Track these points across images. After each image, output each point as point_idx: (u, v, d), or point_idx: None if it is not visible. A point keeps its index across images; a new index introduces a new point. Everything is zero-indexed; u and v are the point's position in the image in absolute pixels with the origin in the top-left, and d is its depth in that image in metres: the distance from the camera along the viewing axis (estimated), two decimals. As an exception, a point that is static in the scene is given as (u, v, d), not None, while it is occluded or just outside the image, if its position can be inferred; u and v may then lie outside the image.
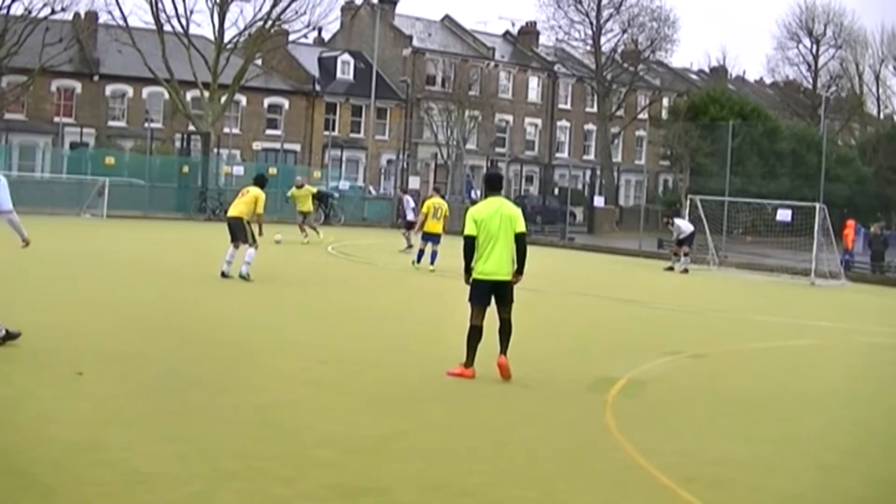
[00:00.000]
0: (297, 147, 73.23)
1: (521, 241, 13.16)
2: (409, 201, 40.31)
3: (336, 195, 54.70)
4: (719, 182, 47.72)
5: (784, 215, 36.76)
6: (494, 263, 12.97)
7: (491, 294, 13.12)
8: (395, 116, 79.45)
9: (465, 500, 8.23)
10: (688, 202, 41.30)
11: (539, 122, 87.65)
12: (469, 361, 13.10)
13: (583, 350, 17.18)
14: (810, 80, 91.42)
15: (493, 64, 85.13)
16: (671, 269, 36.32)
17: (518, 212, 13.43)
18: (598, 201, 66.74)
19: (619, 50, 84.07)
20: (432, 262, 29.13)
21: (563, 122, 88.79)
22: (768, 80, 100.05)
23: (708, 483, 9.14)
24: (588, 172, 75.61)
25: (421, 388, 12.56)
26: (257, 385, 12.11)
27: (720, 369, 16.16)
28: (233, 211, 24.16)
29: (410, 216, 37.88)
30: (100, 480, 8.04)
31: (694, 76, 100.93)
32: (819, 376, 16.48)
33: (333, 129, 75.95)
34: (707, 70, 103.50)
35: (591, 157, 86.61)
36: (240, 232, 23.69)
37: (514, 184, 72.57)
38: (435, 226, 29.67)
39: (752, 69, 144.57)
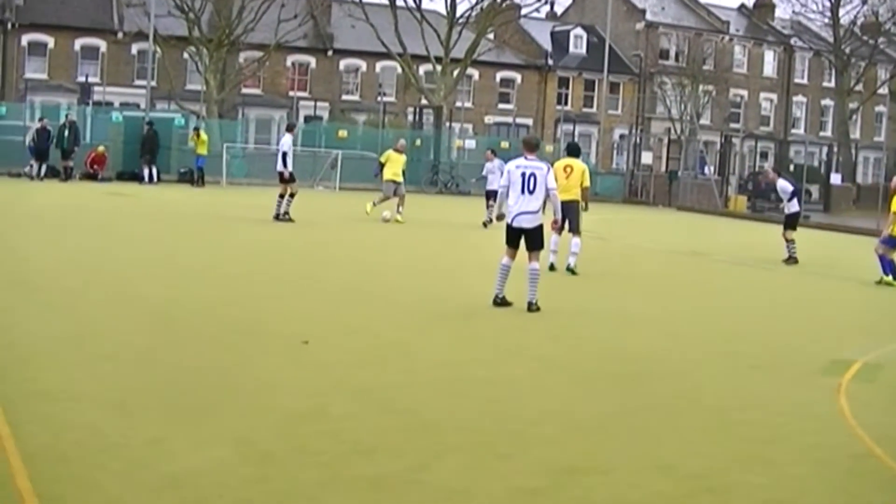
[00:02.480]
0: (529, 121, 73.29)
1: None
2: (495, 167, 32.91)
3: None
4: (964, 158, 46.30)
5: None
6: None
7: None
8: (628, 91, 78.85)
9: (691, 482, 8.04)
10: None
11: (774, 97, 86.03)
12: None
13: (817, 331, 16.74)
14: None
15: (727, 38, 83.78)
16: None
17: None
18: (835, 179, 65.12)
19: (859, 22, 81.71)
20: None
21: (799, 98, 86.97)
22: None
23: None
24: (824, 149, 73.87)
25: (646, 366, 12.41)
26: (482, 359, 12.18)
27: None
28: (565, 193, 20.64)
29: (494, 185, 31.32)
30: (320, 449, 8.15)
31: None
32: None
33: (566, 104, 75.89)
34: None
35: (828, 133, 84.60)
36: (573, 216, 21.24)
37: (749, 160, 71.24)
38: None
39: None
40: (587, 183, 21.73)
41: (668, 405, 10.55)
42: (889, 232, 23.23)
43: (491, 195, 31.61)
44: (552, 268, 21.06)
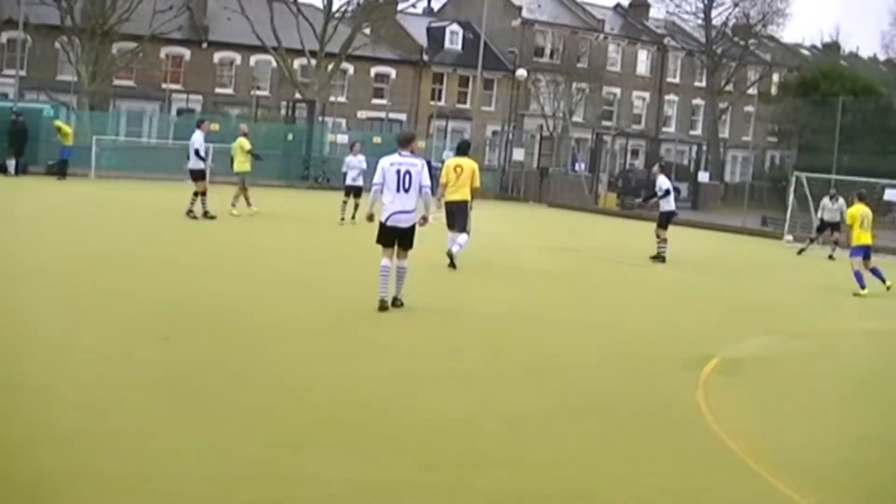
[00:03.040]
0: (403, 117, 73.19)
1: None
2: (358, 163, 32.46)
3: (439, 166, 54.68)
4: (827, 160, 47.09)
5: (892, 195, 36.18)
6: None
7: None
8: (503, 88, 79.17)
9: (554, 471, 8.19)
10: (793, 179, 40.79)
11: (647, 95, 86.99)
12: None
13: (679, 327, 16.98)
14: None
15: (602, 36, 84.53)
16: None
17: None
18: (703, 177, 66.01)
19: (731, 23, 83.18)
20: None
21: (672, 97, 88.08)
22: (882, 57, 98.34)
23: (799, 470, 8.95)
24: (694, 148, 74.94)
25: (513, 361, 12.54)
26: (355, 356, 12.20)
27: (819, 351, 15.95)
28: (455, 194, 21.53)
29: (358, 181, 31.87)
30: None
31: (806, 52, 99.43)
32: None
33: (440, 100, 76.12)
34: (819, 46, 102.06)
35: (699, 132, 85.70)
36: (463, 217, 21.59)
37: (620, 157, 71.97)
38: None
39: (867, 45, 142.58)
40: (477, 183, 21.75)
41: (559, 399, 10.71)
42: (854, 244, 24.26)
43: (350, 190, 31.22)
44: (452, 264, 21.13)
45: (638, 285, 22.96)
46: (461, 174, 21.39)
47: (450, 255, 21.09)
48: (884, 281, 23.85)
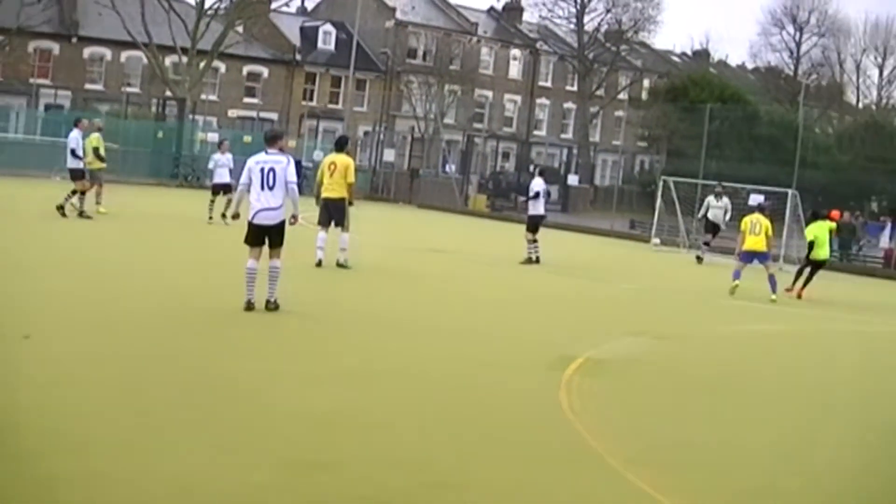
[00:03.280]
0: (275, 116, 72.75)
1: None
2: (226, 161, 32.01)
3: (310, 165, 54.56)
4: (696, 165, 47.71)
5: (756, 200, 36.71)
6: None
7: None
8: (375, 88, 79.14)
9: (423, 477, 8.20)
10: (661, 183, 41.29)
11: (519, 98, 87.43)
12: None
13: (546, 328, 17.09)
14: (792, 67, 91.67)
15: (475, 39, 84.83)
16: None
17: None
18: (573, 180, 66.61)
19: (603, 29, 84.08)
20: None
21: (543, 100, 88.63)
22: (750, 66, 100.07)
23: (659, 469, 9.06)
24: (565, 151, 75.65)
25: (383, 364, 12.58)
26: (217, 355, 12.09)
27: (682, 351, 16.15)
28: (331, 191, 21.62)
29: (224, 178, 31.30)
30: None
31: (676, 59, 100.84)
32: (789, 361, 16.46)
33: (312, 100, 75.86)
34: (689, 53, 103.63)
35: (570, 135, 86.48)
36: (340, 214, 21.59)
37: (491, 160, 72.47)
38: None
39: (735, 54, 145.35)
40: (351, 179, 21.64)
41: (404, 402, 10.69)
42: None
43: (219, 189, 30.89)
44: (319, 264, 21.05)
45: (505, 287, 23.06)
46: (335, 171, 21.39)
47: (318, 264, 21.08)
48: (773, 291, 24.31)
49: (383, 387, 11.21)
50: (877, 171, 63.90)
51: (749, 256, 25.00)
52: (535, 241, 27.35)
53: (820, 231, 26.60)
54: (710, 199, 34.88)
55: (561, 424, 10.16)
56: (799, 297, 25.59)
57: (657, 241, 40.49)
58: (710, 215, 34.67)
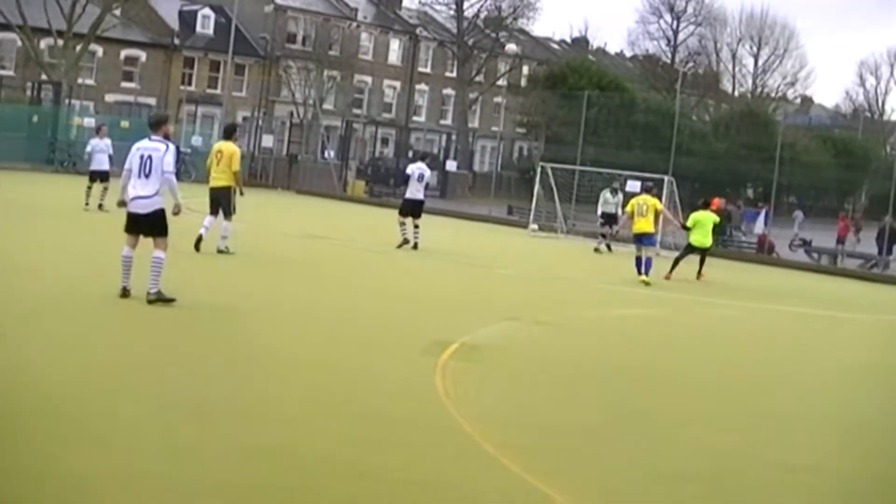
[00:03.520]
0: (153, 101, 71.84)
1: None
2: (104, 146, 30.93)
3: (188, 151, 54.24)
4: (574, 151, 48.19)
5: (633, 186, 37.22)
6: None
7: None
8: (254, 74, 78.52)
9: (297, 461, 8.19)
10: (540, 169, 41.63)
11: (398, 84, 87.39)
12: None
13: (422, 313, 17.25)
14: (669, 56, 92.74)
15: (355, 24, 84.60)
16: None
17: None
18: (451, 166, 66.75)
19: (482, 15, 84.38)
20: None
21: (423, 86, 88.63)
22: (629, 54, 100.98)
23: (532, 452, 9.12)
24: (444, 137, 75.87)
25: (253, 350, 12.54)
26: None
27: (556, 336, 16.27)
28: (216, 180, 21.69)
29: (103, 166, 30.42)
30: None
31: (555, 46, 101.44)
32: (657, 345, 16.70)
33: (191, 85, 75.07)
34: (568, 41, 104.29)
35: (449, 121, 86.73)
36: (225, 202, 21.54)
37: (370, 145, 72.47)
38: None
39: (614, 42, 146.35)
40: (236, 167, 21.56)
41: (267, 388, 10.64)
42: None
43: (96, 175, 30.44)
44: (199, 239, 20.99)
45: (381, 272, 23.17)
46: (221, 159, 21.45)
47: (197, 244, 20.92)
48: (640, 273, 24.69)
49: (253, 372, 11.20)
50: (752, 159, 64.85)
51: (637, 239, 25.41)
52: (417, 226, 27.43)
53: (705, 219, 27.19)
54: (607, 195, 35.09)
55: (436, 409, 10.20)
56: (667, 278, 26.10)
57: (535, 226, 40.81)
58: (606, 210, 34.91)
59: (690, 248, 27.34)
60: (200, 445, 8.37)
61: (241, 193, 22.06)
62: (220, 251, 21.21)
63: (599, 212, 35.63)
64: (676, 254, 28.52)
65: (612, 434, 10.27)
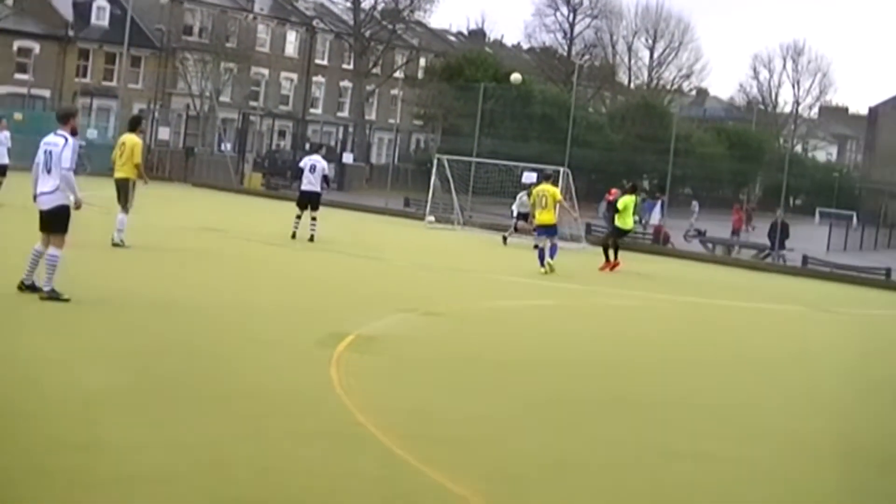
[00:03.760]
0: (47, 93, 70.97)
1: None
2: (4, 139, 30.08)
3: (83, 143, 53.73)
4: (470, 143, 48.37)
5: (529, 178, 37.49)
6: None
7: None
8: (150, 66, 77.79)
9: (196, 455, 8.19)
10: (436, 161, 41.81)
11: (295, 77, 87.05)
12: None
13: (317, 305, 17.33)
14: (565, 48, 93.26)
15: (251, 16, 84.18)
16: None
17: None
18: (347, 158, 66.78)
19: (379, 7, 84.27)
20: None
21: (319, 78, 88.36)
22: (525, 46, 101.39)
23: (428, 443, 9.22)
24: (341, 129, 75.86)
25: (159, 343, 12.50)
26: None
27: (450, 327, 16.45)
28: (119, 172, 21.98)
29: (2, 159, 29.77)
30: None
31: (452, 38, 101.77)
32: (550, 334, 16.90)
33: (86, 76, 74.28)
34: (465, 33, 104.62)
35: (346, 114, 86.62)
36: (124, 194, 21.65)
37: (267, 138, 72.26)
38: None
39: (511, 34, 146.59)
40: (137, 159, 21.72)
41: (175, 381, 10.65)
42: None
43: None
44: (115, 243, 21.14)
45: (278, 265, 23.21)
46: (124, 152, 21.63)
47: (115, 243, 21.12)
48: (542, 266, 25.06)
49: (146, 366, 11.18)
50: (648, 150, 65.59)
51: (539, 231, 25.78)
52: (314, 219, 27.54)
53: (631, 203, 27.93)
54: (524, 198, 35.21)
55: (330, 401, 10.26)
56: (613, 268, 26.86)
57: (431, 218, 40.99)
58: (522, 210, 35.11)
59: (620, 232, 27.88)
60: (103, 436, 8.40)
61: (146, 182, 22.24)
62: (114, 244, 21.14)
63: (515, 212, 35.85)
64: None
65: (508, 424, 10.41)
